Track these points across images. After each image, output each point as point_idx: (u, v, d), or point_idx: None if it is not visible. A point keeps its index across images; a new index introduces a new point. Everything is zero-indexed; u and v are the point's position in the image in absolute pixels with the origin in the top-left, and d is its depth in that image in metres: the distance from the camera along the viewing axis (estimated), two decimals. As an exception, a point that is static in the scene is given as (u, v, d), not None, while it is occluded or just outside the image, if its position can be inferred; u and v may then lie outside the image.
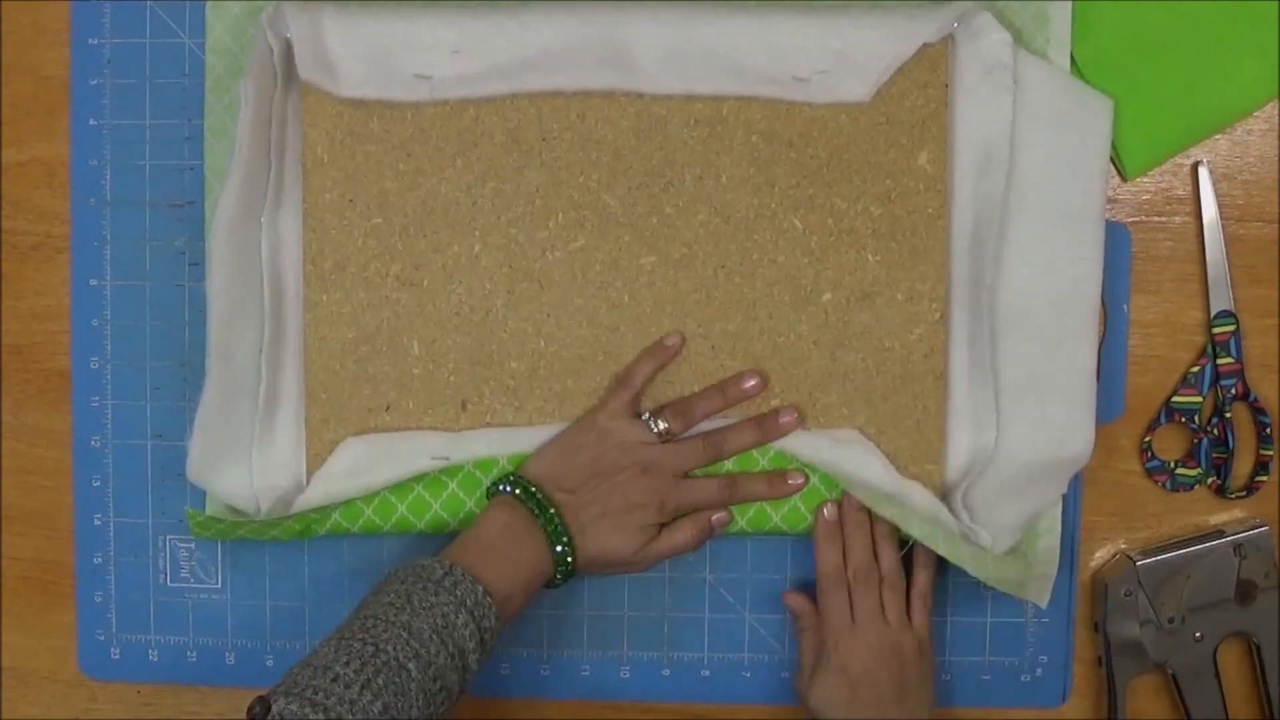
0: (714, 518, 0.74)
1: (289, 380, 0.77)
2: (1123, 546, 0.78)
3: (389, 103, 0.74)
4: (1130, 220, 0.77)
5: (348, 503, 0.76)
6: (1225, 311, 0.77)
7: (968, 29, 0.73)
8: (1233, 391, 0.77)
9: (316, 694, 0.61)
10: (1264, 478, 0.77)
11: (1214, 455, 0.78)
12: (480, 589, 0.66)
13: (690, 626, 0.79)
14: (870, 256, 0.75)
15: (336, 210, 0.75)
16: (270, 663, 0.80)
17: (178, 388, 0.79)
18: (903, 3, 0.74)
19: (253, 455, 0.76)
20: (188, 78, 0.78)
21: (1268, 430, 0.77)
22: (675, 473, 0.73)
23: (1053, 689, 0.79)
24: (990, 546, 0.73)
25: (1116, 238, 0.76)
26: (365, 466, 0.75)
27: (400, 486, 0.75)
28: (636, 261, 0.75)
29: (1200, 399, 0.77)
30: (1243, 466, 0.78)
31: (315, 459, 0.76)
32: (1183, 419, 0.78)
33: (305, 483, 0.76)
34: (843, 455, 0.74)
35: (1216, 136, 0.77)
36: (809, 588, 0.76)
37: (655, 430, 0.73)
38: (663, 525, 0.73)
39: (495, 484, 0.73)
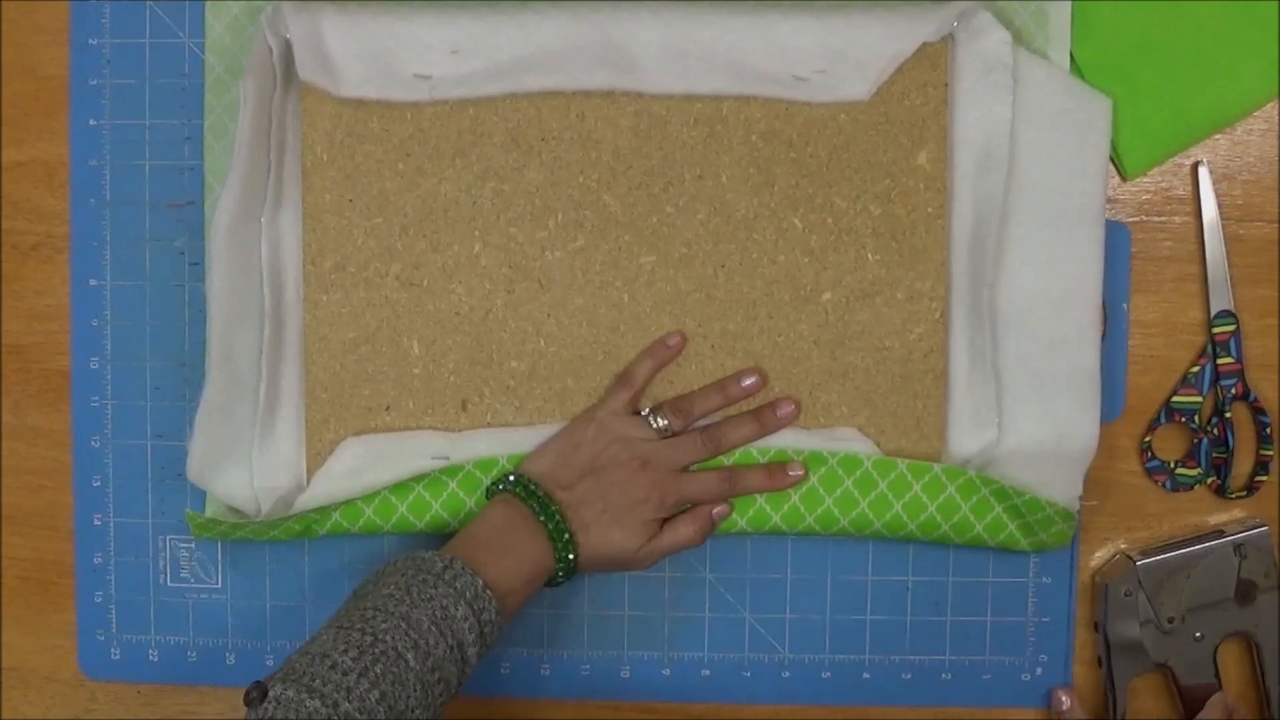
0: (715, 510, 0.74)
1: (289, 380, 0.77)
2: (1122, 546, 0.78)
3: (389, 103, 0.74)
4: (1130, 220, 0.77)
5: (348, 503, 0.76)
6: (1225, 311, 0.77)
7: (967, 28, 0.73)
8: (1233, 391, 0.77)
9: (314, 680, 0.61)
10: (1264, 478, 0.77)
11: (1214, 455, 0.78)
12: (480, 582, 0.67)
13: (690, 626, 0.79)
14: (870, 255, 0.75)
15: (336, 210, 0.75)
16: (270, 662, 0.80)
17: (178, 388, 0.79)
18: (902, 2, 0.74)
19: (253, 455, 0.76)
20: (187, 78, 0.78)
21: (1268, 430, 0.77)
22: (675, 468, 0.73)
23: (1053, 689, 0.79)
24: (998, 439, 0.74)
25: (1116, 237, 0.76)
26: (365, 466, 0.75)
27: (400, 486, 0.75)
28: (636, 261, 0.75)
29: (1200, 399, 0.77)
30: (1243, 466, 0.78)
31: (315, 459, 0.76)
32: (1183, 419, 0.77)
33: (305, 483, 0.76)
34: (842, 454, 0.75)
35: (1216, 136, 0.77)
36: (810, 589, 0.77)
37: (655, 427, 0.73)
38: (664, 521, 0.73)
39: (495, 483, 0.73)
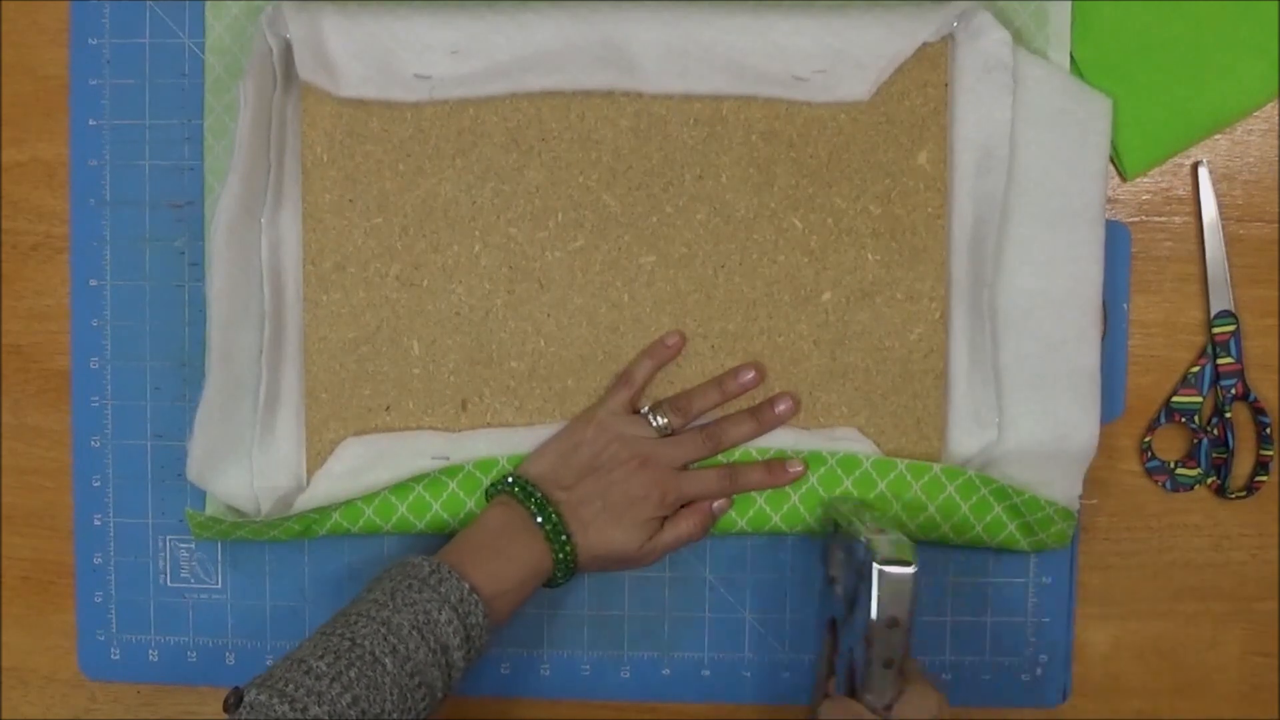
0: (715, 505, 0.74)
1: (289, 380, 0.77)
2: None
3: (388, 103, 0.74)
4: (1130, 220, 0.77)
5: (348, 503, 0.76)
6: (1225, 311, 0.77)
7: (967, 28, 0.73)
8: (1233, 391, 0.77)
9: (287, 685, 0.62)
10: (1264, 478, 0.77)
11: (1214, 455, 0.78)
12: (466, 586, 0.67)
13: (690, 626, 0.79)
14: (870, 256, 0.75)
15: (336, 210, 0.75)
16: (270, 663, 0.79)
17: (178, 388, 0.79)
18: (902, 2, 0.74)
19: (253, 456, 0.76)
20: (187, 78, 0.78)
21: (1268, 430, 0.77)
22: (674, 465, 0.73)
23: (1053, 689, 0.79)
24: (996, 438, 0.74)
25: (1116, 237, 0.76)
26: (366, 466, 0.75)
27: (400, 487, 0.75)
28: (636, 261, 0.75)
29: (1200, 399, 0.77)
30: (1243, 466, 0.78)
31: (316, 459, 0.76)
32: (1183, 419, 0.77)
33: (306, 483, 0.76)
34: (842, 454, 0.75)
35: (1216, 136, 0.77)
36: (810, 589, 0.77)
37: (654, 425, 0.73)
38: (664, 519, 0.73)
39: (494, 484, 0.74)
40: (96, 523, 0.80)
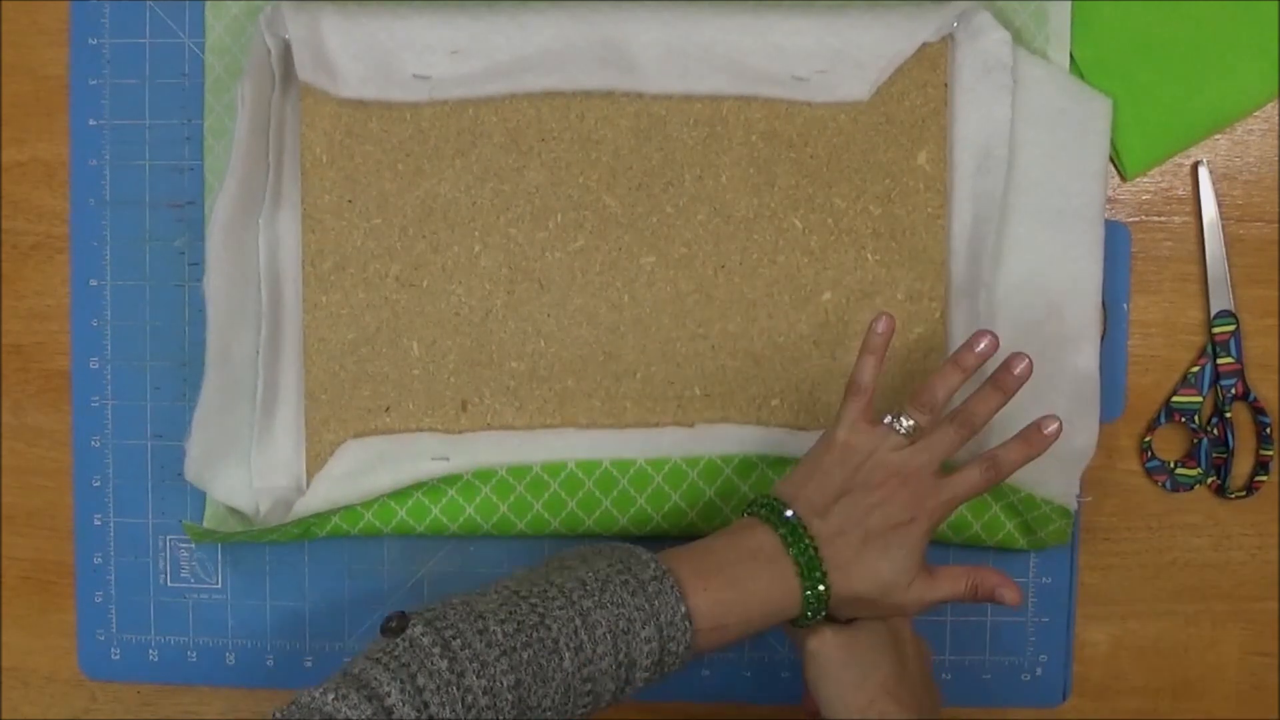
0: (977, 577, 0.66)
1: (288, 381, 0.77)
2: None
3: (388, 103, 0.74)
4: (1130, 220, 0.77)
5: (347, 507, 0.76)
6: (1225, 311, 0.77)
7: (967, 28, 0.73)
8: (1233, 391, 0.77)
9: (455, 639, 0.56)
10: (1264, 478, 0.77)
11: (1214, 455, 0.78)
12: (683, 610, 0.60)
13: (690, 626, 0.79)
14: (870, 256, 0.75)
15: (335, 211, 0.75)
16: (270, 663, 0.80)
17: (178, 388, 0.79)
18: (902, 2, 0.74)
19: (252, 456, 0.76)
20: (187, 78, 0.78)
21: (1268, 430, 0.77)
22: (933, 469, 0.65)
23: (1053, 689, 0.79)
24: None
25: (1116, 237, 0.76)
26: (365, 468, 0.75)
27: (399, 492, 0.75)
28: (636, 261, 0.75)
29: (1200, 399, 0.77)
30: (1243, 466, 0.78)
31: (315, 460, 0.76)
32: (1183, 419, 0.77)
33: (305, 484, 0.76)
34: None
35: (1216, 136, 0.77)
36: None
37: (901, 431, 0.66)
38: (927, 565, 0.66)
39: (751, 502, 0.67)
40: (96, 523, 0.80)
